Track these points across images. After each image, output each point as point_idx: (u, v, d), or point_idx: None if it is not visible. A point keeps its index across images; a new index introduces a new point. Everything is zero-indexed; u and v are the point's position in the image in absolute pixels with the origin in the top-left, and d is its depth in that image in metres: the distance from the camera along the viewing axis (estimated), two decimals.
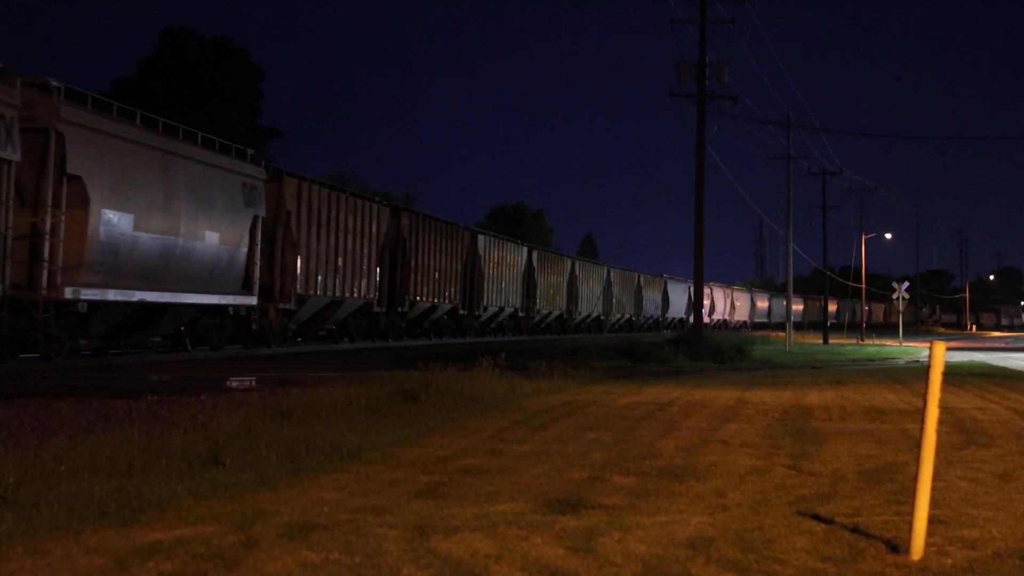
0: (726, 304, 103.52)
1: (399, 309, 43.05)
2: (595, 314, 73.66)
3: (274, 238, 32.95)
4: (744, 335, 62.24)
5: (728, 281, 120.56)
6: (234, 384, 18.39)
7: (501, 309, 55.99)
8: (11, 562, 5.88)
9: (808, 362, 36.79)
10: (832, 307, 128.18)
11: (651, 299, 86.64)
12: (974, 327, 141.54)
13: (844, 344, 62.05)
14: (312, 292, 35.14)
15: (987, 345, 62.84)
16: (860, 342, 67.87)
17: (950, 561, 6.36)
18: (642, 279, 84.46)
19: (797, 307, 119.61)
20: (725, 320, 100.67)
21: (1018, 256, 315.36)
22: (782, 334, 60.27)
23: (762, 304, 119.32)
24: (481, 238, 53.09)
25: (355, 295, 38.49)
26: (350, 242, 37.84)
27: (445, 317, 49.24)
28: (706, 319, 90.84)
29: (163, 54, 66.81)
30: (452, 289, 48.53)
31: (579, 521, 7.22)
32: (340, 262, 36.99)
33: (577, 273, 69.79)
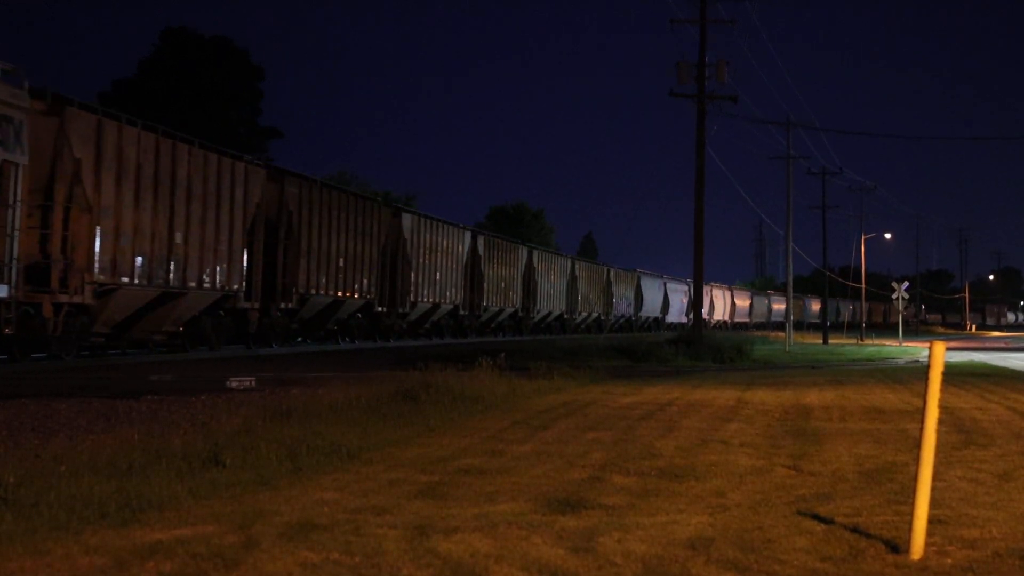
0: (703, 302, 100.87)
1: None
2: (557, 312, 65.92)
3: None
4: (743, 335, 62.21)
5: (728, 281, 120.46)
6: (234, 384, 18.40)
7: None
8: (11, 562, 5.88)
9: (808, 362, 36.80)
10: (815, 306, 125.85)
11: (623, 296, 79.67)
12: (974, 327, 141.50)
13: (844, 344, 62.05)
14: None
15: (987, 345, 62.82)
16: (860, 342, 67.87)
17: (950, 561, 6.36)
18: (612, 274, 77.14)
19: (777, 306, 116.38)
20: (705, 320, 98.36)
21: (1018, 256, 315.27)
22: (782, 334, 60.26)
23: (742, 303, 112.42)
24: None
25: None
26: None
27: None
28: (677, 318, 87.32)
29: (163, 54, 66.79)
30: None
31: (579, 521, 7.22)
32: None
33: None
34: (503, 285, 56.27)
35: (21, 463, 8.51)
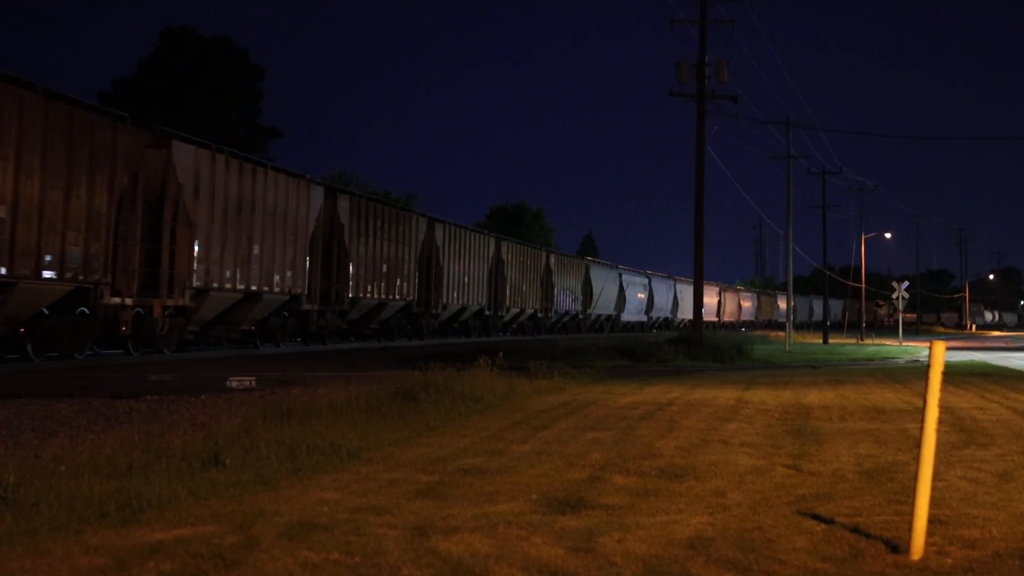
0: (668, 299, 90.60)
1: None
2: (474, 307, 61.77)
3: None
4: (742, 335, 62.20)
5: (729, 280, 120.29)
6: (234, 384, 18.41)
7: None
8: (11, 562, 5.88)
9: (808, 362, 36.80)
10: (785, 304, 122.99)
11: (567, 289, 67.98)
12: (974, 327, 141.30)
13: (844, 344, 62.06)
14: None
15: (987, 345, 62.83)
16: (860, 342, 67.90)
17: (950, 561, 6.36)
18: (554, 260, 65.68)
19: (747, 304, 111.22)
20: (667, 318, 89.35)
21: (1018, 256, 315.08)
22: (782, 334, 60.27)
23: (710, 300, 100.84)
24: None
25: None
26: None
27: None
28: (640, 317, 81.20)
29: (163, 54, 66.82)
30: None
31: (579, 521, 7.22)
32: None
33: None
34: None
35: (21, 463, 8.51)
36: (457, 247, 49.69)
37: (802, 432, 12.68)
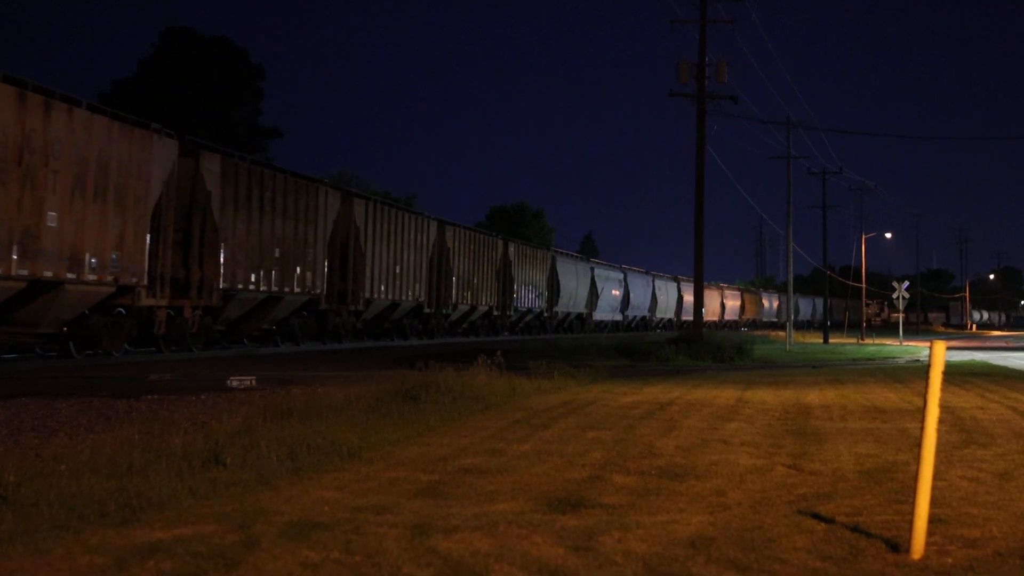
0: (646, 296, 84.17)
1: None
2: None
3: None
4: (743, 335, 62.18)
5: (729, 280, 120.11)
6: (234, 384, 18.40)
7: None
8: (11, 561, 5.88)
9: (808, 361, 36.79)
10: (772, 303, 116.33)
11: (528, 284, 60.69)
12: (974, 326, 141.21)
13: (844, 343, 62.06)
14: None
15: (987, 345, 62.83)
16: (860, 341, 67.89)
17: (950, 560, 6.35)
18: (514, 250, 58.36)
19: (731, 303, 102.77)
20: (644, 317, 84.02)
21: (1018, 256, 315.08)
22: (782, 333, 60.26)
23: (690, 298, 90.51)
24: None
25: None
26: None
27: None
28: (614, 315, 75.20)
29: (163, 54, 66.80)
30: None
31: (579, 520, 7.21)
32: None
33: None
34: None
35: (21, 463, 8.51)
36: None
37: (802, 432, 12.67)
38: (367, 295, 39.63)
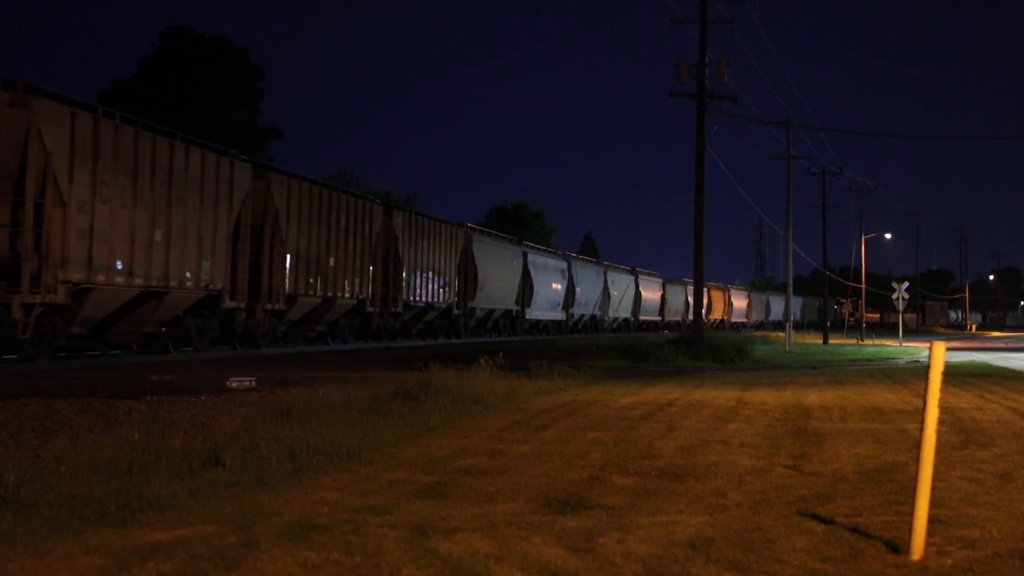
0: (596, 292, 73.01)
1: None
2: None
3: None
4: (744, 335, 62.17)
5: (729, 280, 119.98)
6: (234, 384, 18.39)
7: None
8: (11, 562, 5.88)
9: (808, 362, 36.80)
10: (742, 303, 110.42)
11: (436, 269, 47.41)
12: (974, 327, 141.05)
13: (844, 344, 62.06)
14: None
15: (987, 345, 62.84)
16: (860, 342, 67.90)
17: (950, 561, 6.36)
18: (403, 221, 43.19)
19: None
20: (595, 315, 73.58)
21: (1018, 256, 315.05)
22: (782, 334, 60.26)
23: (652, 295, 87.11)
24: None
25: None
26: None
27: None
28: (555, 314, 65.15)
29: (163, 54, 66.77)
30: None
31: (579, 521, 7.21)
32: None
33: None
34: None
35: (21, 463, 8.51)
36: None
37: (802, 432, 12.67)
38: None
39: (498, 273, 55.02)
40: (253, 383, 18.58)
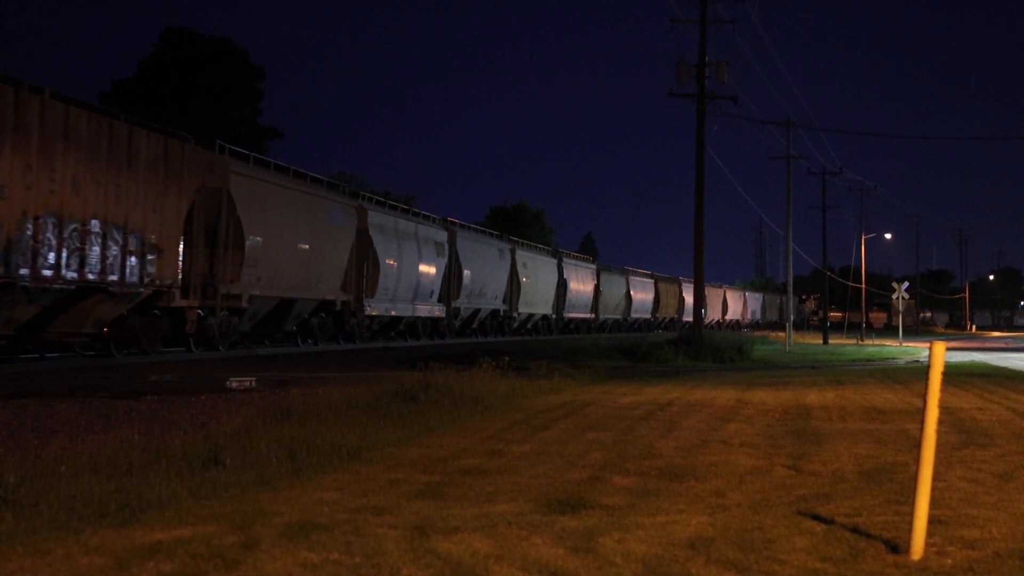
0: (550, 286, 63.58)
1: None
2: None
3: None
4: (744, 335, 62.13)
5: (729, 281, 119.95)
6: (234, 384, 18.39)
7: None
8: (11, 562, 5.88)
9: (808, 362, 36.80)
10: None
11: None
12: (974, 327, 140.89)
13: (844, 344, 62.06)
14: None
15: (987, 345, 62.84)
16: (860, 342, 67.91)
17: (950, 561, 6.36)
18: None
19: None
20: (546, 315, 64.07)
21: (1018, 256, 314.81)
22: (782, 334, 60.25)
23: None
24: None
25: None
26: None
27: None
28: (494, 303, 57.95)
29: (163, 54, 66.75)
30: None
31: (579, 521, 7.22)
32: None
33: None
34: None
35: (21, 463, 8.51)
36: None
37: (802, 432, 12.68)
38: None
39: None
40: (253, 383, 18.58)
